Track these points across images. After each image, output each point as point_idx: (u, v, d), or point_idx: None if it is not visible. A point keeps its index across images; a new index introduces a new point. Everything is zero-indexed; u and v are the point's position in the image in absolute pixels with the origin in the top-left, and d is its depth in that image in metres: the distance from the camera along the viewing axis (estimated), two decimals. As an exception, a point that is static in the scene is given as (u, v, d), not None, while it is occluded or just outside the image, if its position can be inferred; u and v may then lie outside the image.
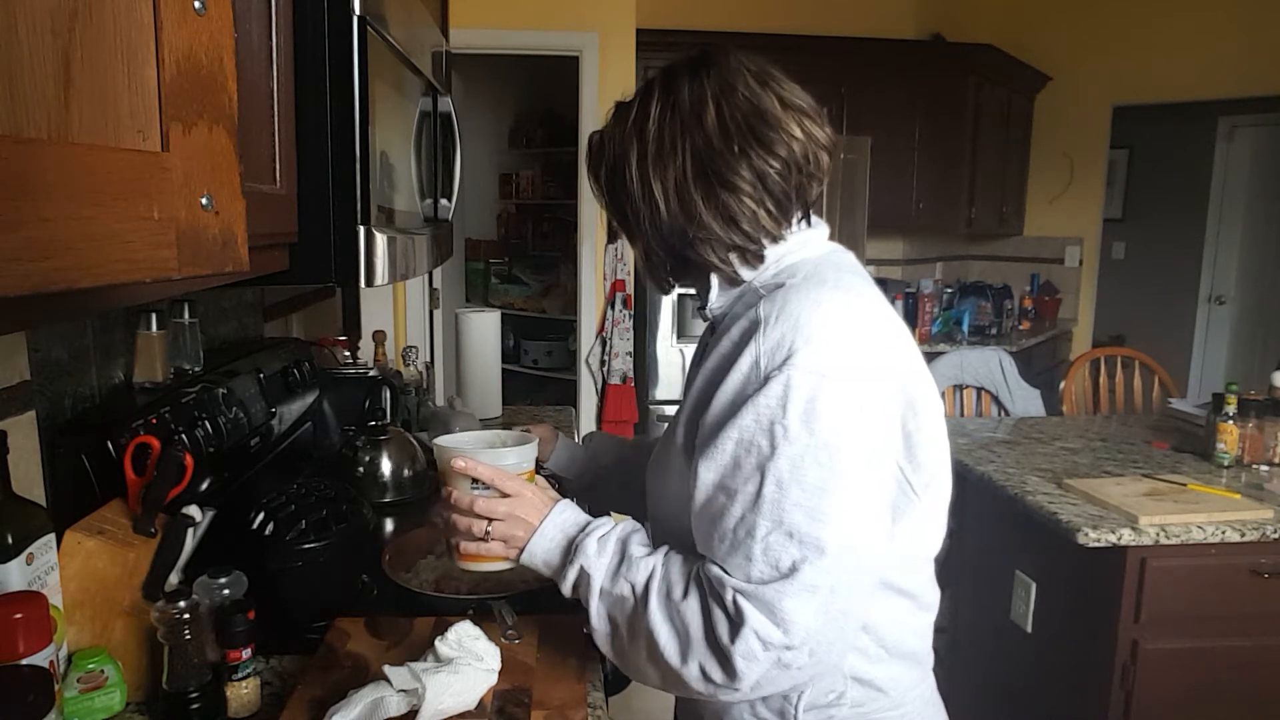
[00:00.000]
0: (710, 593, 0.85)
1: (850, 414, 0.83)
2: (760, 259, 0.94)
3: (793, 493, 0.82)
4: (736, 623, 0.82)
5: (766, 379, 0.84)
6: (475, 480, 0.97)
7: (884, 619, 0.96)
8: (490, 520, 0.96)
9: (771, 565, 0.82)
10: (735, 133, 0.90)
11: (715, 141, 0.90)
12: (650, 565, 0.90)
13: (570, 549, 0.94)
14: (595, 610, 0.92)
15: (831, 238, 1.00)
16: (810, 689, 0.94)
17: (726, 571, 0.85)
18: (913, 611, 0.99)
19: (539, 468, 1.32)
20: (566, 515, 0.97)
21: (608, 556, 0.92)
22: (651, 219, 0.94)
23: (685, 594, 0.87)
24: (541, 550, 0.96)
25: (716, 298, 0.97)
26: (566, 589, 0.95)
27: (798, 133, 0.91)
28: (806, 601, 0.82)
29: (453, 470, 0.98)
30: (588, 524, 0.96)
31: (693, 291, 1.01)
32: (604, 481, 1.34)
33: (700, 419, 0.90)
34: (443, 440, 1.06)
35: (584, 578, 0.92)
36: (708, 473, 0.87)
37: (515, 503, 0.97)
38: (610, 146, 0.97)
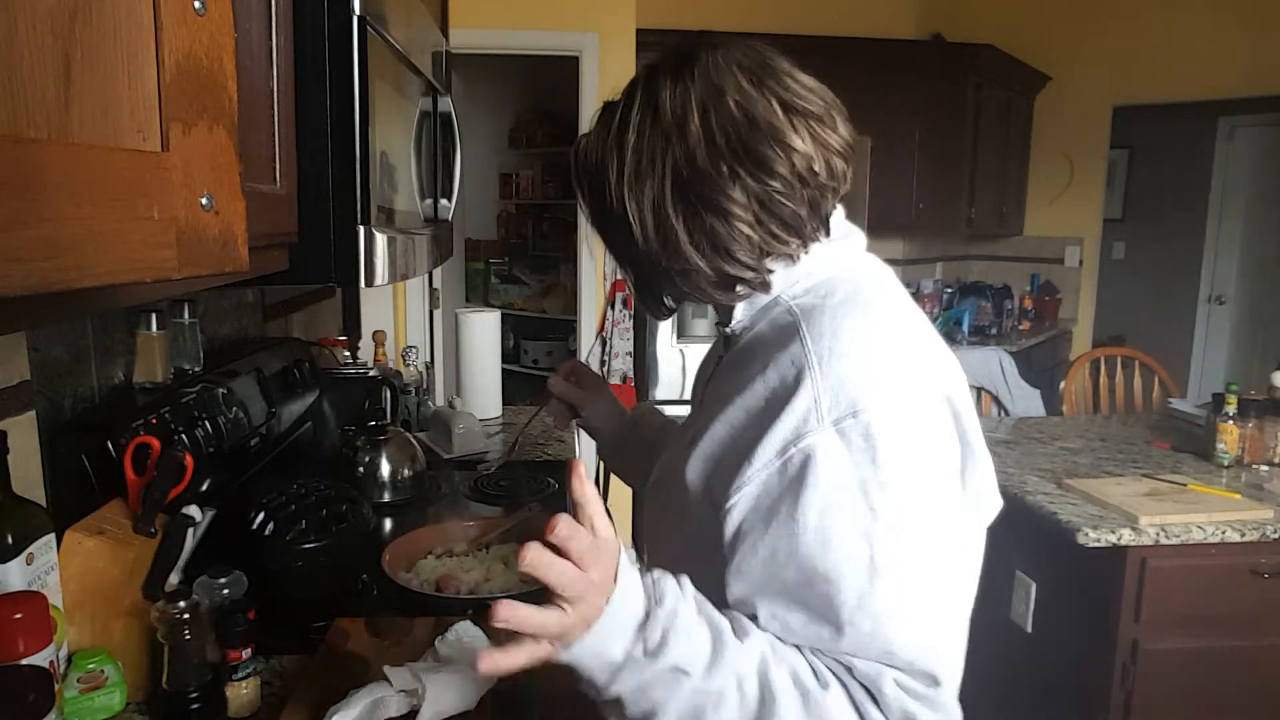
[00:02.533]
0: (863, 691, 0.72)
1: (934, 444, 0.75)
2: (767, 287, 0.82)
3: (911, 551, 0.72)
4: (910, 716, 0.72)
5: (839, 429, 0.71)
6: None
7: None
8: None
9: (917, 643, 0.72)
10: (725, 149, 0.76)
11: (700, 159, 0.77)
12: (755, 651, 0.71)
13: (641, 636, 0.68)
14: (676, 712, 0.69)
15: None
16: None
17: (857, 655, 0.72)
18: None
19: (574, 413, 1.26)
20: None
21: (702, 640, 0.69)
22: (634, 242, 0.81)
23: (823, 684, 0.72)
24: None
25: (741, 312, 0.85)
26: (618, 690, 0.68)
27: (802, 143, 0.77)
28: (958, 652, 0.76)
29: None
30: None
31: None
32: (637, 453, 1.20)
33: (733, 467, 0.75)
34: None
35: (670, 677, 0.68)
36: (787, 555, 0.72)
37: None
38: (590, 156, 0.84)
